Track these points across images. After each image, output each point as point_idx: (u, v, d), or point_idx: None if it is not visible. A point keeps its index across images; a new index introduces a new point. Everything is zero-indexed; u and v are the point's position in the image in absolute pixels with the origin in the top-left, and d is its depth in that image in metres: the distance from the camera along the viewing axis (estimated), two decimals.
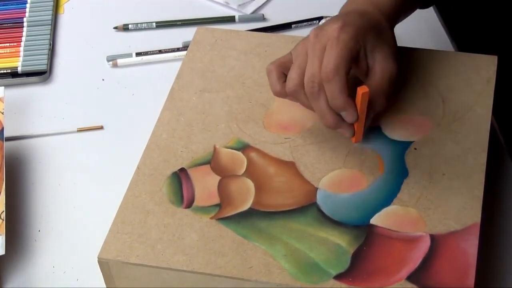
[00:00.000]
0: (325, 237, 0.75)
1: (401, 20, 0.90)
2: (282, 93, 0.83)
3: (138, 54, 1.08)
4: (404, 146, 0.82)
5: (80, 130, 0.99)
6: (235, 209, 0.78)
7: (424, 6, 0.97)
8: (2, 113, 0.93)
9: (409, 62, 0.91)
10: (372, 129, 0.84)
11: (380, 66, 0.81)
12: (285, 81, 0.82)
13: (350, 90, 0.78)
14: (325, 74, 0.78)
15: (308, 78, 0.79)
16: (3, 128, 0.92)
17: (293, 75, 0.81)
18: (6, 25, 1.13)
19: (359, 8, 0.85)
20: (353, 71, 0.82)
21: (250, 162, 0.82)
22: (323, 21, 1.10)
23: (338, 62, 0.78)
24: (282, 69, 0.83)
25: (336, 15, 0.84)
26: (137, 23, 1.13)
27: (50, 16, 1.14)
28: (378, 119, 0.84)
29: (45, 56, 1.08)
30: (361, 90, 0.78)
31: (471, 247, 0.73)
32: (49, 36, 1.11)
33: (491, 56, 0.91)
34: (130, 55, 1.08)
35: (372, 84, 0.81)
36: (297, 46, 0.83)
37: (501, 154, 0.91)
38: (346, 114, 0.79)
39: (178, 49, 1.08)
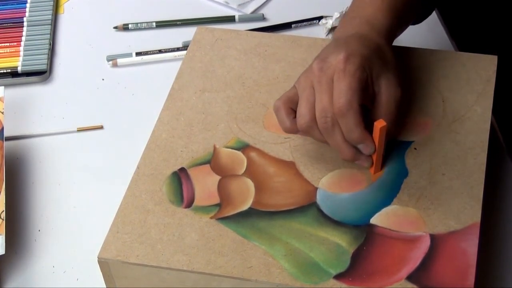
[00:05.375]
0: (325, 237, 0.75)
1: (396, 37, 0.88)
2: (293, 130, 0.80)
3: (138, 53, 1.08)
4: (404, 146, 0.82)
5: (80, 130, 0.99)
6: (235, 208, 0.78)
7: (416, 23, 0.95)
8: (2, 113, 0.93)
9: (409, 62, 0.91)
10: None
11: (386, 92, 0.79)
12: (294, 117, 0.79)
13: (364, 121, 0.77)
14: (338, 109, 0.76)
15: (320, 113, 0.77)
16: (3, 128, 0.91)
17: (303, 111, 0.78)
18: (6, 25, 1.13)
19: (357, 33, 0.82)
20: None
21: (250, 162, 0.82)
22: (323, 20, 1.10)
23: (350, 95, 0.75)
24: (290, 105, 0.79)
25: (336, 42, 0.81)
26: (137, 23, 1.13)
27: (50, 16, 1.14)
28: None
29: (45, 56, 1.08)
30: (379, 125, 0.76)
31: (471, 247, 0.73)
32: (49, 36, 1.11)
33: (491, 56, 0.91)
34: (130, 55, 1.08)
35: (380, 110, 0.79)
36: (300, 79, 0.80)
37: (501, 154, 0.91)
38: (363, 146, 0.78)
39: (178, 49, 1.08)
